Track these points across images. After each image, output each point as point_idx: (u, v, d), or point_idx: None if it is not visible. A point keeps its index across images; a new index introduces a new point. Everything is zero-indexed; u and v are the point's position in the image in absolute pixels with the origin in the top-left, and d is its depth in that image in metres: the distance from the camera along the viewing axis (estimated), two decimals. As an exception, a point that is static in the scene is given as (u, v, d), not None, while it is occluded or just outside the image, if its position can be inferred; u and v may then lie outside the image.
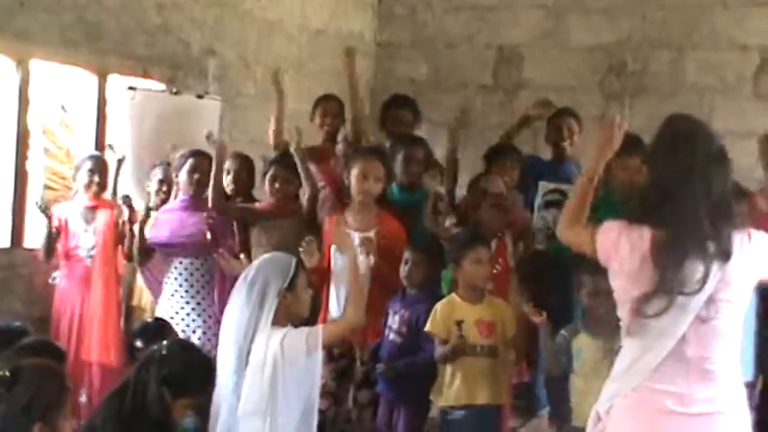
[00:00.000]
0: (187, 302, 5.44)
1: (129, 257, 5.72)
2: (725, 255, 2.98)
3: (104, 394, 5.14)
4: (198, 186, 5.51)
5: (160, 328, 4.46)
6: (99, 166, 5.68)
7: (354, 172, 4.99)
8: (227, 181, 5.69)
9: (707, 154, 3.05)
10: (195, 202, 5.53)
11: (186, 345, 3.70)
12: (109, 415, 3.39)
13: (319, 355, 3.73)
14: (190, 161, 5.53)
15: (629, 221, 3.13)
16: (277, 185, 5.38)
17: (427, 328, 4.61)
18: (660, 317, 3.01)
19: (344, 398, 4.97)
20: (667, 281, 2.98)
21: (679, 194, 3.03)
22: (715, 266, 2.98)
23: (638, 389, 3.08)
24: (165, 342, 3.56)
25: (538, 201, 5.76)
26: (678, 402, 3.03)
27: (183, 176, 5.56)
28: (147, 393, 3.39)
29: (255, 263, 3.91)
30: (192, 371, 3.56)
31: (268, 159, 5.71)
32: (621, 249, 3.11)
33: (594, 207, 5.06)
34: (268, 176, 5.42)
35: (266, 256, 4.00)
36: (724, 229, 3.01)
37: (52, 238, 5.58)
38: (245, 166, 5.78)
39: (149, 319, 5.15)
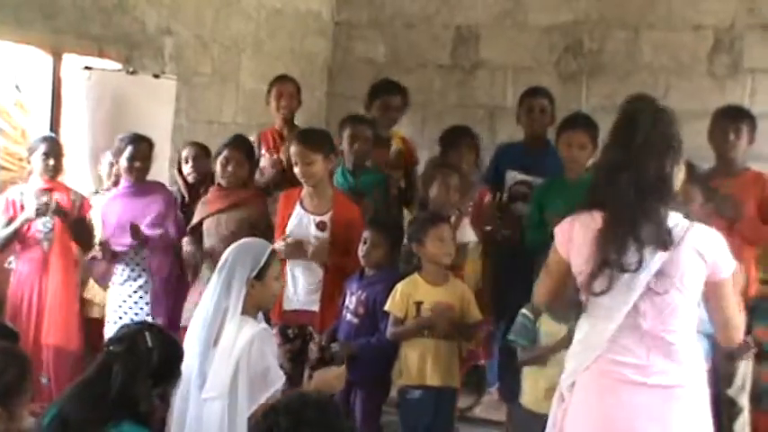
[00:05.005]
0: (140, 286, 5.41)
1: (82, 245, 5.65)
2: (655, 237, 3.04)
3: (64, 378, 5.17)
4: (138, 173, 5.47)
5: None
6: (54, 149, 5.58)
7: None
8: (187, 169, 5.67)
9: (646, 138, 3.09)
10: (138, 188, 5.50)
11: (165, 334, 3.47)
12: (86, 404, 3.21)
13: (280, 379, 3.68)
14: (129, 148, 5.43)
15: (579, 209, 3.21)
16: (230, 168, 5.24)
17: (386, 306, 4.61)
18: (607, 293, 3.10)
19: (299, 378, 4.97)
20: (607, 259, 3.07)
21: (616, 177, 3.10)
22: (655, 247, 3.04)
23: (598, 361, 3.15)
24: (146, 332, 3.34)
25: (505, 192, 5.63)
26: (638, 373, 3.10)
27: (123, 163, 5.47)
28: (136, 388, 3.22)
29: (230, 248, 3.83)
30: (174, 361, 3.42)
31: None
32: (575, 236, 3.20)
33: (548, 187, 5.18)
34: (220, 159, 5.27)
35: (241, 241, 3.91)
36: (656, 211, 3.07)
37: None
38: (202, 153, 5.68)
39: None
